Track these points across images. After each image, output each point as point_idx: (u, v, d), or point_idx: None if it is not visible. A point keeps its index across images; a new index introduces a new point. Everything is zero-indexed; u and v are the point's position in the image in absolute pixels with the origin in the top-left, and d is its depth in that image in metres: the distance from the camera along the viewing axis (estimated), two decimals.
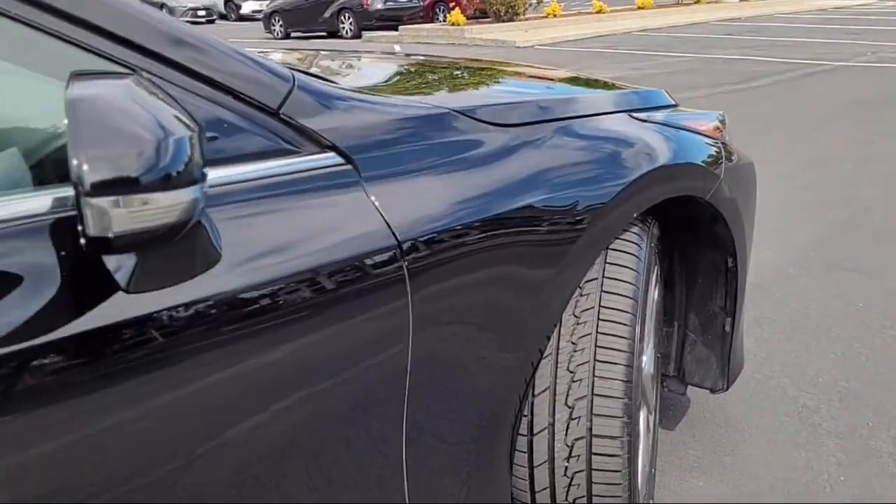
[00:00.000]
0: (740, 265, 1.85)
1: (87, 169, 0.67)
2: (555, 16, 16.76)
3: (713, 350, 1.97)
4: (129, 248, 0.72)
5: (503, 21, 16.11)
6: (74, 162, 0.66)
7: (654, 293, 1.67)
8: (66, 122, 0.73)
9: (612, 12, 17.88)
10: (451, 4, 17.50)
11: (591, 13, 17.87)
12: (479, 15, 17.03)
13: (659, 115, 1.69)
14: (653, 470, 1.78)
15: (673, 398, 2.26)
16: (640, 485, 1.55)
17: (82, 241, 0.71)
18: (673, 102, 1.84)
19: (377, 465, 1.13)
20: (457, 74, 1.81)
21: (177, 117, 0.72)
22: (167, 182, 0.69)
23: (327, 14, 18.34)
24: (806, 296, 3.00)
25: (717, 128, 1.86)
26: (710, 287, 1.91)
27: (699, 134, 1.73)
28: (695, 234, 1.85)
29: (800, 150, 5.38)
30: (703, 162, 1.65)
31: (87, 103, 0.68)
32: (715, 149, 1.74)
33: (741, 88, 8.06)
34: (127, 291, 0.79)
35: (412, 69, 1.81)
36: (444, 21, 16.96)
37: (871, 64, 9.73)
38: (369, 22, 17.86)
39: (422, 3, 18.66)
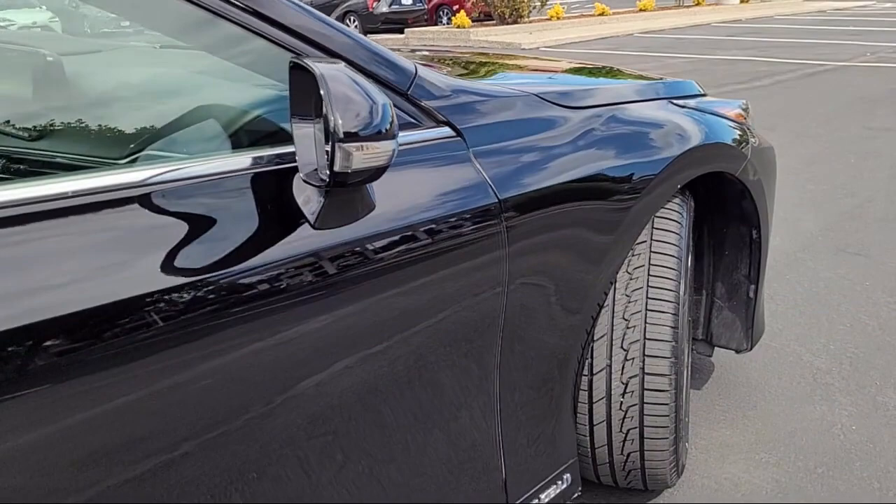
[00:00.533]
0: (764, 237, 2.08)
1: (341, 123, 0.90)
2: (558, 18, 17.02)
3: (738, 315, 2.21)
4: (355, 182, 0.95)
5: (507, 24, 16.37)
6: (331, 118, 0.90)
7: (688, 262, 1.90)
8: (253, 99, 0.96)
9: (614, 14, 18.15)
10: (455, 7, 17.78)
11: (593, 15, 18.13)
12: (484, 17, 17.30)
13: (692, 103, 1.93)
14: (687, 419, 2.01)
15: (700, 362, 2.49)
16: (683, 420, 1.79)
17: (324, 177, 0.94)
18: (702, 92, 2.08)
19: (476, 387, 1.36)
20: (525, 67, 2.05)
21: (377, 90, 0.96)
22: (380, 135, 0.93)
23: (332, 17, 18.57)
24: (815, 276, 3.24)
25: (741, 114, 2.09)
26: (735, 257, 2.15)
27: (727, 119, 1.97)
28: (724, 209, 2.08)
29: (804, 145, 5.62)
30: (732, 142, 1.88)
31: (332, 77, 0.92)
32: (740, 132, 1.97)
33: (745, 88, 8.30)
34: (314, 227, 1.03)
35: (489, 62, 2.06)
36: (449, 24, 17.22)
37: (870, 64, 9.97)
38: (374, 25, 18.12)
39: (425, 7, 18.95)
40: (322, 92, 0.90)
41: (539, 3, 16.89)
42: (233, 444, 1.02)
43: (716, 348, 2.30)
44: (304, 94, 0.98)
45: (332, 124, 0.90)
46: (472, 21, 16.68)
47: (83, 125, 1.23)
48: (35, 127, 1.23)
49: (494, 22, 16.77)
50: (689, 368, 2.11)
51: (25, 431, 0.82)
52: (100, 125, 1.23)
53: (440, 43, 15.09)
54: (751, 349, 2.23)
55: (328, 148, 0.91)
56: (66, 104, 1.33)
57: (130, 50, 1.71)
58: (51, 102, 1.33)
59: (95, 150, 1.18)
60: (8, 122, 1.23)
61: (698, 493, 1.94)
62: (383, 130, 0.94)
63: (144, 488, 0.94)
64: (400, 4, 18.36)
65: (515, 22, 16.40)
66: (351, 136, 0.91)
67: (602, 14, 18.05)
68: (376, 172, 0.97)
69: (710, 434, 2.18)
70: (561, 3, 18.07)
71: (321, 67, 0.92)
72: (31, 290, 0.84)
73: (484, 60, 2.10)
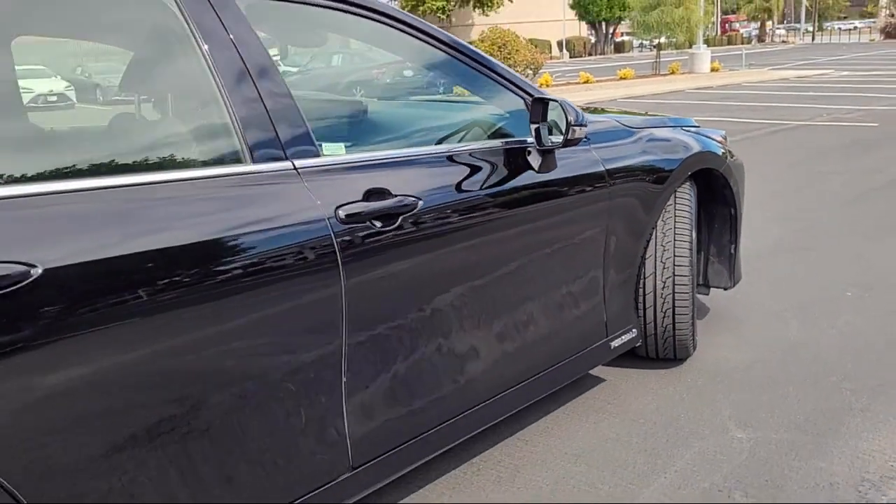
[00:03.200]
0: (739, 214, 3.38)
1: (572, 119, 2.19)
2: (547, 86, 18.73)
3: (724, 265, 3.48)
4: (572, 144, 2.24)
5: None
6: (569, 117, 2.19)
7: (695, 219, 3.18)
8: (496, 118, 2.28)
9: (597, 82, 19.92)
10: None
11: (579, 83, 19.89)
12: None
13: (693, 129, 3.26)
14: (695, 328, 3.26)
15: (700, 307, 3.76)
16: (695, 315, 3.06)
17: (555, 144, 2.23)
18: (697, 125, 3.40)
19: (596, 271, 2.62)
20: (601, 109, 3.38)
21: (576, 105, 2.26)
22: (582, 124, 2.23)
23: (341, 88, 20.18)
24: (776, 263, 4.55)
25: (722, 139, 3.42)
26: (722, 228, 3.43)
27: (714, 139, 3.29)
28: (714, 197, 3.37)
29: (770, 184, 6.99)
30: (718, 152, 3.20)
31: (564, 102, 2.21)
32: (723, 148, 3.29)
33: None
34: (536, 172, 2.32)
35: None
36: (450, 91, 18.83)
37: (826, 123, 11.54)
38: None
39: None
40: (561, 107, 2.20)
41: (531, 72, 18.59)
42: (489, 288, 2.27)
43: (711, 289, 3.58)
44: (537, 111, 2.28)
45: (569, 119, 2.19)
46: None
47: (409, 134, 2.53)
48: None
49: None
50: (695, 300, 3.38)
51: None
52: (414, 134, 2.53)
53: None
54: (733, 287, 3.50)
55: (544, 135, 2.23)
56: (384, 128, 2.64)
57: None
58: (380, 126, 2.63)
59: (418, 144, 2.46)
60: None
61: (706, 363, 3.19)
62: (583, 122, 2.24)
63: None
64: (402, 76, 20.00)
65: None
66: (575, 124, 2.20)
67: (587, 82, 19.81)
68: (578, 141, 2.27)
69: (710, 340, 3.44)
70: (549, 72, 19.82)
71: (557, 98, 2.23)
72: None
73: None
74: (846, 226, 5.39)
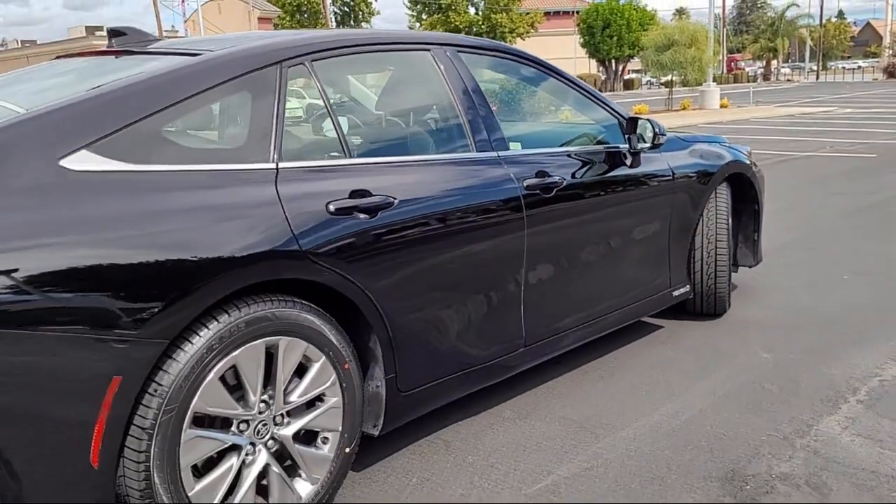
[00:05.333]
0: (761, 209, 4.50)
1: (658, 129, 3.35)
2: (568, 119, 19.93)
3: (749, 249, 4.60)
4: (656, 148, 3.39)
5: None
6: (656, 129, 3.34)
7: (730, 210, 4.29)
8: (598, 130, 3.43)
9: None
10: None
11: None
12: None
13: (726, 144, 4.39)
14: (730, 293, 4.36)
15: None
16: (732, 281, 4.17)
17: (642, 147, 3.38)
18: (728, 141, 4.53)
19: (664, 241, 3.74)
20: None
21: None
22: (663, 133, 3.38)
23: None
24: (788, 256, 5.66)
25: (748, 153, 4.55)
26: (748, 220, 4.55)
27: (742, 152, 4.43)
28: (742, 196, 4.48)
29: (778, 204, 8.08)
30: (746, 161, 4.33)
31: (649, 119, 3.35)
32: (749, 159, 4.43)
33: None
34: (628, 167, 3.46)
35: None
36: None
37: (829, 154, 12.69)
38: None
39: None
40: (650, 122, 3.34)
41: (554, 108, 19.81)
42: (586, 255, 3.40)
43: (739, 267, 4.68)
44: (631, 125, 3.42)
45: (656, 130, 3.33)
46: None
47: (548, 139, 3.69)
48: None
49: None
50: (731, 270, 4.48)
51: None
52: (551, 139, 3.68)
53: None
54: (756, 265, 4.61)
55: (634, 142, 3.38)
56: (533, 134, 3.81)
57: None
58: (529, 133, 3.80)
59: (554, 145, 3.59)
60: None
61: (738, 317, 4.28)
62: (664, 133, 3.37)
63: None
64: None
65: None
66: (660, 133, 3.34)
67: None
68: (660, 146, 3.41)
69: (740, 304, 4.53)
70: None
71: (643, 117, 3.36)
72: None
73: None
74: (846, 231, 6.51)
